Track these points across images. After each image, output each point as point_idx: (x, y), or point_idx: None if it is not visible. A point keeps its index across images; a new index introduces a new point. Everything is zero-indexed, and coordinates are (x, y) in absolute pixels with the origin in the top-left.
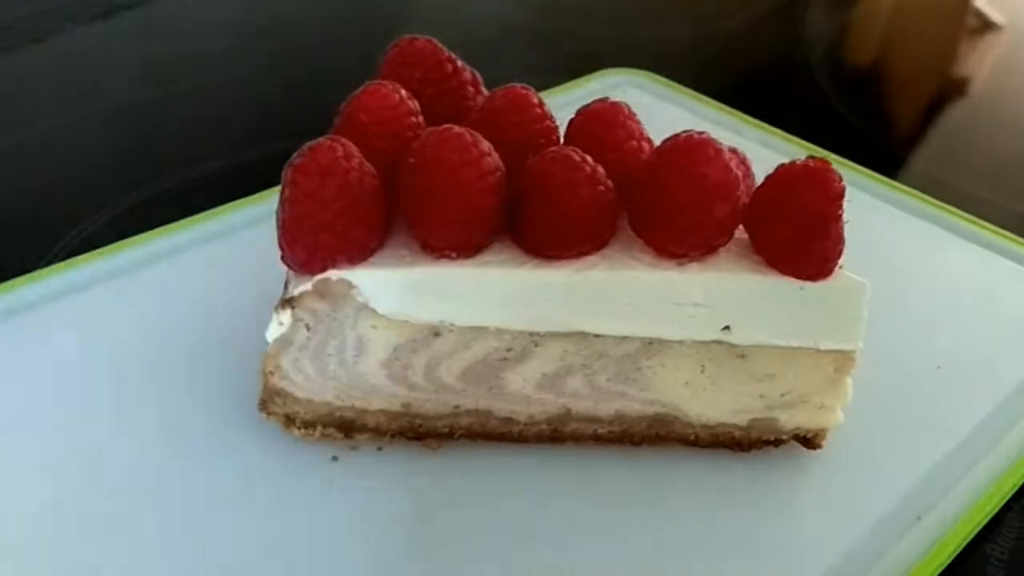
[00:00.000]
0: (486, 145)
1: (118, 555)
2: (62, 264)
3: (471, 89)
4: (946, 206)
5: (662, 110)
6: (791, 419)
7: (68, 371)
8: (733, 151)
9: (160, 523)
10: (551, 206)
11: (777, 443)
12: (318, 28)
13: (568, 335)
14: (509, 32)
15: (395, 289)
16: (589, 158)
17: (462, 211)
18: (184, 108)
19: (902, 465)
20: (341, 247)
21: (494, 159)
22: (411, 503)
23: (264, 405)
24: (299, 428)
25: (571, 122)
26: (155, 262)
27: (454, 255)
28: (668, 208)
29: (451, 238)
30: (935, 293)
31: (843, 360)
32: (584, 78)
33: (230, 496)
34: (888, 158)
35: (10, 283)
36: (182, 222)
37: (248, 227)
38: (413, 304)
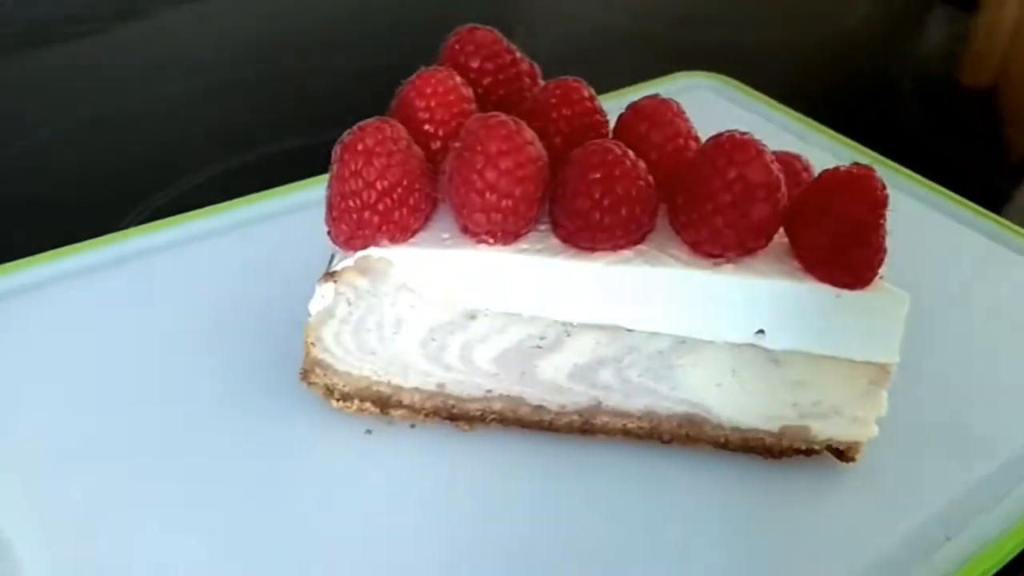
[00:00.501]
0: (530, 134)
1: (160, 509)
2: (128, 231)
3: (527, 80)
4: (1013, 225)
5: (733, 115)
6: (824, 429)
7: (125, 335)
8: (796, 158)
9: (195, 480)
10: (587, 197)
11: (809, 453)
12: (408, 24)
13: (601, 327)
14: (599, 33)
15: (433, 270)
16: (631, 153)
17: (500, 198)
18: (264, 91)
19: (936, 484)
20: (383, 226)
21: (536, 148)
22: (436, 481)
23: (305, 375)
24: (338, 400)
25: (620, 117)
26: (221, 234)
27: (491, 241)
28: (705, 207)
29: (489, 224)
30: (989, 312)
31: (879, 373)
32: (658, 79)
33: (264, 460)
34: (992, 188)
35: (78, 245)
36: (249, 197)
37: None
38: (450, 286)
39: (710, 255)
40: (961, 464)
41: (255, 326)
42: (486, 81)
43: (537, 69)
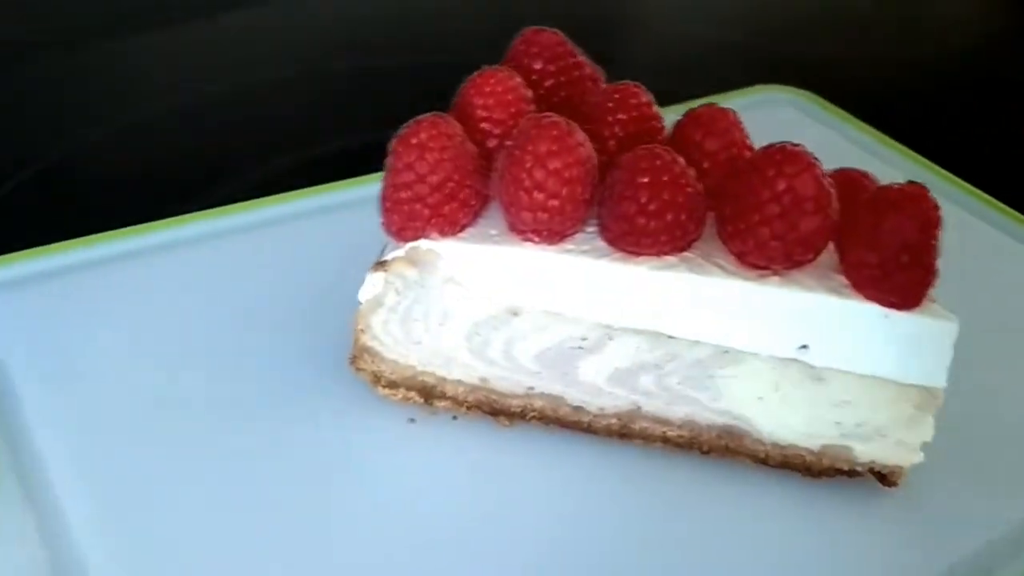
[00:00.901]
0: (581, 136)
1: (206, 480)
2: (202, 213)
3: (590, 83)
4: None
5: (810, 130)
6: (866, 451)
7: (193, 311)
8: (864, 175)
9: (239, 456)
10: (633, 202)
11: (851, 474)
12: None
13: (642, 332)
14: (688, 42)
15: (479, 265)
16: (681, 159)
17: (547, 198)
18: (340, 85)
19: (981, 516)
20: (432, 219)
21: (587, 150)
22: (472, 474)
23: (354, 361)
24: (384, 387)
25: (676, 124)
26: (291, 221)
27: (537, 239)
28: (753, 218)
29: (535, 222)
30: None
31: (926, 397)
32: (738, 91)
33: (307, 440)
34: None
35: (155, 224)
36: (321, 187)
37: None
38: (495, 282)
39: (756, 267)
40: (1008, 498)
41: (315, 311)
42: (548, 83)
43: (600, 73)
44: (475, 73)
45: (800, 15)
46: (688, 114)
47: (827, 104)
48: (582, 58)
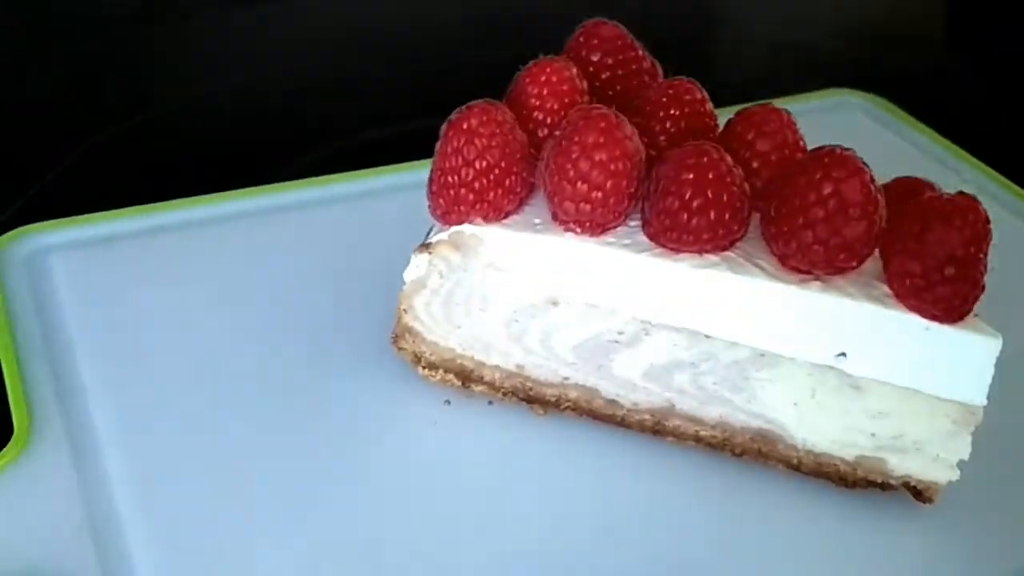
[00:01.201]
0: (629, 129)
1: (242, 450)
2: (259, 188)
3: (647, 78)
4: None
5: (879, 137)
6: (901, 465)
7: (247, 287)
8: (928, 185)
9: (275, 429)
10: (677, 197)
11: (885, 487)
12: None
13: (679, 330)
14: (767, 44)
15: (520, 253)
16: (728, 158)
17: (590, 189)
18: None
19: (1017, 538)
20: (477, 204)
21: (634, 144)
22: (502, 459)
23: (396, 340)
24: (423, 367)
25: (728, 122)
26: (344, 201)
27: (578, 230)
28: (796, 220)
29: (577, 213)
30: None
31: (965, 414)
32: (808, 94)
33: (343, 415)
34: None
35: (213, 196)
36: (376, 169)
37: None
38: (535, 271)
39: (798, 270)
40: None
41: (366, 290)
42: (604, 75)
43: (659, 67)
44: (531, 63)
45: (893, 21)
46: (740, 113)
47: (899, 111)
48: (641, 52)
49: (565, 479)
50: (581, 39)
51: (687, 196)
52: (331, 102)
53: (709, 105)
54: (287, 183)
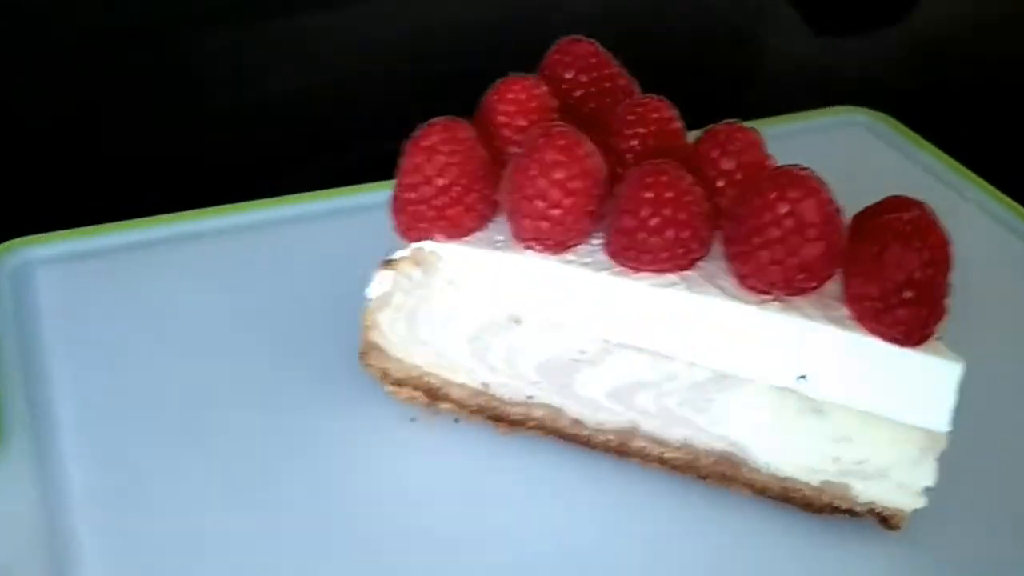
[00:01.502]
0: (589, 148)
1: (206, 460)
2: (231, 207)
3: (622, 95)
4: None
5: (883, 156)
6: (866, 491)
7: (217, 303)
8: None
9: (241, 437)
10: (634, 216)
11: (851, 514)
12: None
13: (640, 350)
14: (778, 58)
15: (481, 270)
16: (689, 177)
17: (548, 207)
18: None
19: (985, 567)
20: (437, 221)
21: (594, 162)
22: (464, 478)
23: (363, 357)
24: (390, 384)
25: (696, 140)
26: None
27: (538, 248)
28: (753, 240)
29: (536, 231)
30: None
31: (929, 440)
32: (812, 112)
33: (307, 430)
34: None
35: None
36: (353, 187)
37: None
38: (496, 289)
39: (756, 290)
40: (1015, 549)
41: (340, 306)
42: (578, 93)
43: (635, 85)
44: (500, 80)
45: (906, 42)
46: (707, 131)
47: (905, 129)
48: (617, 69)
49: (528, 500)
50: (556, 56)
51: (644, 215)
52: (326, 113)
53: (678, 123)
54: (264, 200)
